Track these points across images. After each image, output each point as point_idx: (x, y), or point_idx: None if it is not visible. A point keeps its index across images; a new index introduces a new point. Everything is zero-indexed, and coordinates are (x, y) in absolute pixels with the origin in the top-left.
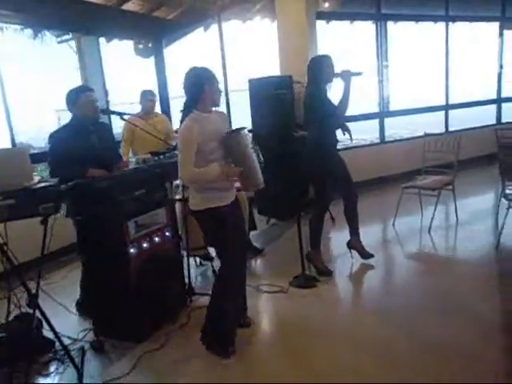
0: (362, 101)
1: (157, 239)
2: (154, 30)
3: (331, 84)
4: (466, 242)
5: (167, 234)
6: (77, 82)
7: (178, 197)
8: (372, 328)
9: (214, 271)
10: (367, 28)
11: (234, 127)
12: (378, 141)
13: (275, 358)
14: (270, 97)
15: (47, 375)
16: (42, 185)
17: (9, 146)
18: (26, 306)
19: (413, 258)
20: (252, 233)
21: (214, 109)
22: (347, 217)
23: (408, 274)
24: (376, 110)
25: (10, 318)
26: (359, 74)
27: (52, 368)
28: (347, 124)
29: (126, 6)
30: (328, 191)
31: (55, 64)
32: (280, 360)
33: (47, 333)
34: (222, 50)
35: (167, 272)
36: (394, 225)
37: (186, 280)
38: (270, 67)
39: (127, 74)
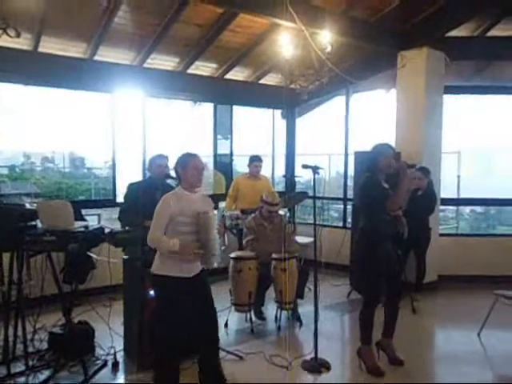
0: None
1: None
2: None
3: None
4: None
5: None
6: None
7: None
8: None
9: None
10: None
11: None
12: None
13: None
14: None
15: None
16: (77, 229)
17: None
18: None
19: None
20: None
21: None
22: (385, 314)
23: None
24: None
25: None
26: (416, 168)
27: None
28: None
29: (264, 80)
30: (371, 284)
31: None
32: None
33: None
34: (346, 120)
35: None
36: (479, 335)
37: None
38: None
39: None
